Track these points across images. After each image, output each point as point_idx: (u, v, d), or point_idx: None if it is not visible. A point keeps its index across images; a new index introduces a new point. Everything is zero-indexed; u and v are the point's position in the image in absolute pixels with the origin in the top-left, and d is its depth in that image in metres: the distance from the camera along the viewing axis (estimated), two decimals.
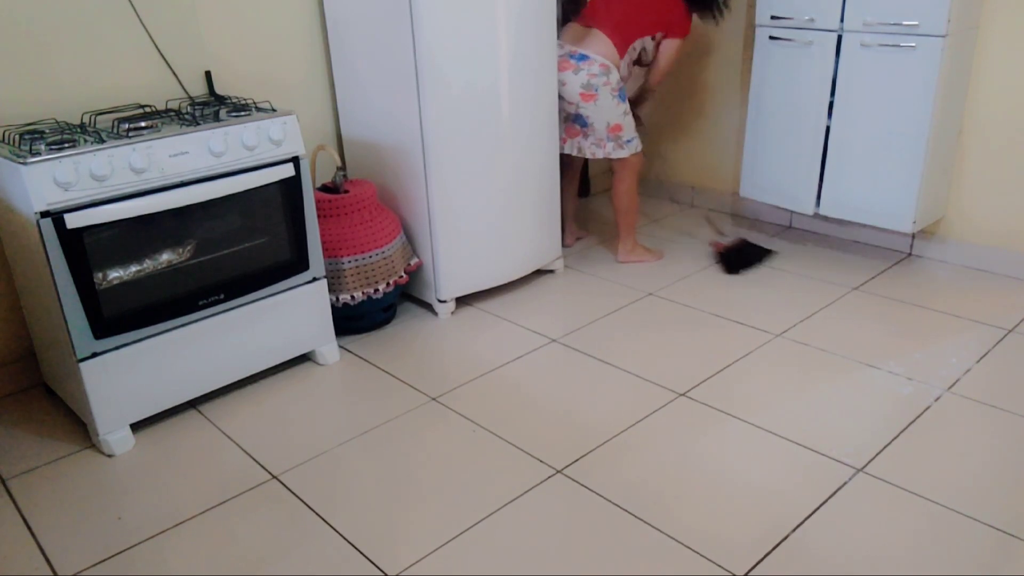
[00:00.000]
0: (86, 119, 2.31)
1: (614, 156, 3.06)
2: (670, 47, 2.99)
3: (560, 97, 2.98)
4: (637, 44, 2.96)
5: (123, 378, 2.14)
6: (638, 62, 3.10)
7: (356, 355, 2.62)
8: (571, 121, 3.07)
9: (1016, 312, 2.70)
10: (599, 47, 2.89)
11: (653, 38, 2.99)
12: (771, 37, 3.07)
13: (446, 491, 1.95)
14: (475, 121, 2.69)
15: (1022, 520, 1.77)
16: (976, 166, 2.97)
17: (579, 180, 3.48)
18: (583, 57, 2.89)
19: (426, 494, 1.95)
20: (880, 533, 1.75)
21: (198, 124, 2.18)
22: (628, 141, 3.05)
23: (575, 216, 3.51)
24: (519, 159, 2.84)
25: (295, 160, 2.33)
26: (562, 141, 3.13)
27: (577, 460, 2.04)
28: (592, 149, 3.08)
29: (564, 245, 3.36)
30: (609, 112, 2.96)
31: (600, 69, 2.89)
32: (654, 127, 3.96)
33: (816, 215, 3.22)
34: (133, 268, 2.14)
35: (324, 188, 2.74)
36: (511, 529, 1.81)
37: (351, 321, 2.73)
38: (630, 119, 3.04)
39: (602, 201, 4.06)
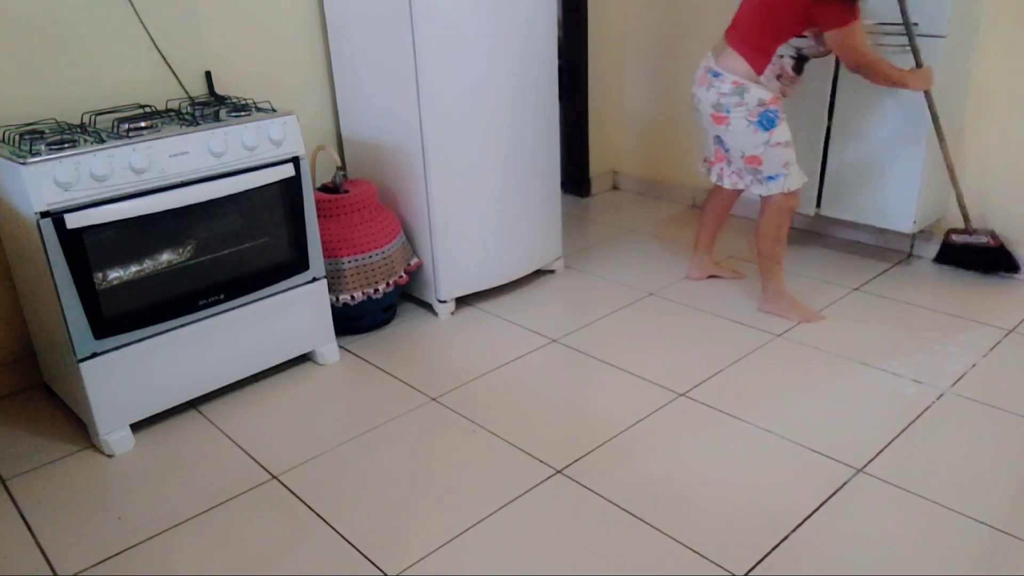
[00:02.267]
0: (86, 119, 2.31)
1: (754, 192, 2.66)
2: (833, 41, 2.40)
3: (699, 114, 2.67)
4: (781, 50, 2.47)
5: (123, 378, 2.13)
6: (801, 61, 2.55)
7: (356, 355, 2.62)
8: (716, 143, 2.68)
9: (1016, 312, 2.70)
10: (731, 63, 2.50)
11: (804, 36, 2.46)
12: None
13: (446, 491, 1.95)
14: (475, 121, 2.69)
15: (1021, 520, 1.77)
16: (976, 166, 2.97)
17: (727, 210, 2.96)
18: (716, 74, 2.53)
19: (426, 494, 1.94)
20: (880, 533, 1.75)
21: (198, 124, 2.18)
22: (770, 178, 2.59)
23: (711, 248, 3.04)
24: (520, 159, 2.84)
25: (295, 160, 2.33)
26: (708, 163, 2.80)
27: (577, 460, 2.04)
28: (733, 178, 2.72)
29: (688, 276, 3.06)
30: (743, 140, 2.56)
31: (732, 88, 2.50)
32: (655, 127, 3.97)
33: (816, 215, 3.22)
34: (133, 268, 2.14)
35: (324, 188, 2.74)
36: (511, 529, 1.81)
37: (351, 321, 2.73)
38: (778, 152, 2.55)
39: (603, 203, 4.06)
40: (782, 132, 2.54)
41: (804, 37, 2.45)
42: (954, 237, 3.02)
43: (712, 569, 1.67)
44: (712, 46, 2.61)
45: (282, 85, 2.84)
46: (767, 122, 2.51)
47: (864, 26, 2.41)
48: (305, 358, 2.60)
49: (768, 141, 2.53)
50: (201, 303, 2.24)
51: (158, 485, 2.02)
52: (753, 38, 2.47)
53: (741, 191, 2.81)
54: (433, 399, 2.35)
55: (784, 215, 2.64)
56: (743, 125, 2.52)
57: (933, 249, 3.14)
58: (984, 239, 2.94)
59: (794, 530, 1.77)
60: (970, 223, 2.97)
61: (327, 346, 2.57)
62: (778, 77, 2.52)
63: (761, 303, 2.80)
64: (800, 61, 2.53)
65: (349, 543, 1.80)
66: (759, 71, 2.48)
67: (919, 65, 2.63)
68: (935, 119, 2.70)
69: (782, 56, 2.48)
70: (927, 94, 2.66)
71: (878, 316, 2.72)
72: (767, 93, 2.50)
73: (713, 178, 2.79)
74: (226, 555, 1.78)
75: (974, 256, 2.98)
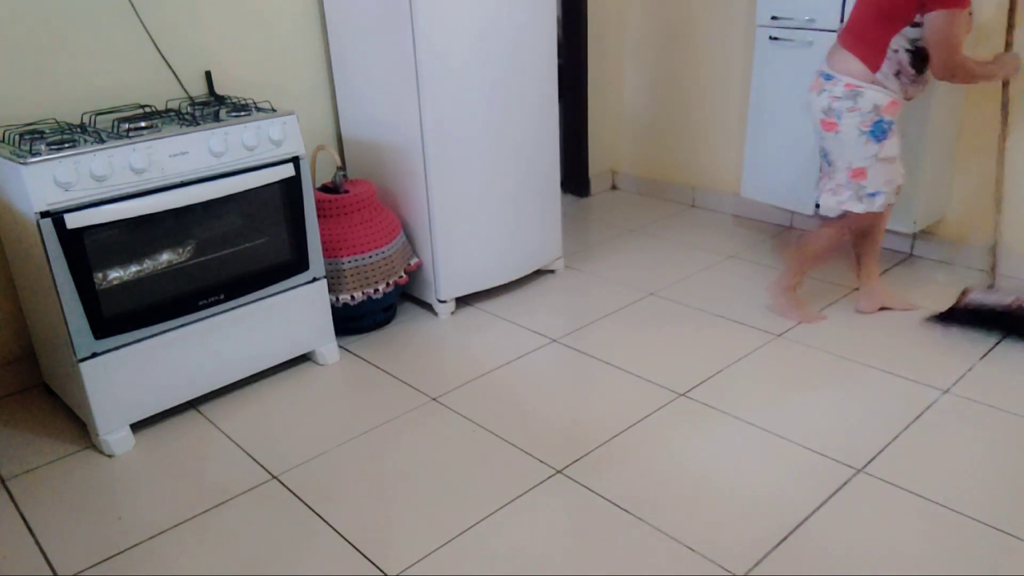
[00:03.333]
0: (86, 119, 2.31)
1: (847, 208, 2.47)
2: (932, 23, 2.21)
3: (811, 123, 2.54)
4: (896, 43, 2.28)
5: (123, 378, 2.13)
6: (919, 57, 2.32)
7: (356, 355, 2.62)
8: (821, 156, 2.55)
9: None
10: (843, 64, 2.35)
11: (916, 24, 2.26)
12: (771, 37, 3.07)
13: (446, 491, 1.95)
14: (475, 121, 2.69)
15: (1022, 520, 1.77)
16: (976, 166, 2.97)
17: (879, 238, 2.70)
18: (828, 76, 2.39)
19: (426, 494, 1.95)
20: (880, 533, 1.75)
21: (198, 124, 2.18)
22: (871, 195, 2.43)
23: (876, 275, 2.76)
24: (520, 159, 2.84)
25: (295, 160, 2.33)
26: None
27: (577, 460, 2.04)
28: (827, 197, 2.52)
29: (856, 309, 2.77)
30: (852, 150, 2.39)
31: (845, 91, 2.34)
32: (654, 127, 3.97)
33: (816, 215, 3.22)
34: (133, 268, 2.14)
35: (324, 188, 2.74)
36: (511, 529, 1.81)
37: (351, 321, 2.73)
38: (884, 168, 2.40)
39: (602, 203, 4.06)
40: (892, 146, 2.38)
41: (918, 27, 2.26)
42: (972, 298, 2.61)
43: (712, 569, 1.67)
44: (828, 50, 2.47)
45: (282, 85, 2.84)
46: (880, 133, 2.35)
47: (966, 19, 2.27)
48: (305, 358, 2.60)
49: (877, 154, 2.37)
50: (201, 303, 2.24)
51: (158, 485, 2.02)
52: (865, 33, 2.33)
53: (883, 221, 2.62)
54: (433, 399, 2.35)
55: (848, 232, 2.55)
56: (854, 134, 2.36)
57: (933, 248, 3.14)
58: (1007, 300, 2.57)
59: (794, 530, 1.77)
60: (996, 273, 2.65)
61: (327, 346, 2.57)
62: (897, 74, 2.33)
63: (769, 288, 2.76)
64: (917, 56, 2.31)
65: (349, 543, 1.80)
66: (874, 68, 2.31)
67: (1009, 47, 2.47)
68: (1005, 110, 2.54)
69: (897, 51, 2.30)
70: (1005, 83, 2.51)
71: (878, 316, 2.71)
72: (884, 96, 2.33)
73: (818, 198, 2.61)
74: (226, 555, 1.78)
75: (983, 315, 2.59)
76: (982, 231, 3.00)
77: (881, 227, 2.69)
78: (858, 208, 2.46)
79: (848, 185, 2.45)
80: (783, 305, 2.72)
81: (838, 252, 2.57)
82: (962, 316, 2.60)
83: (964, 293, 2.65)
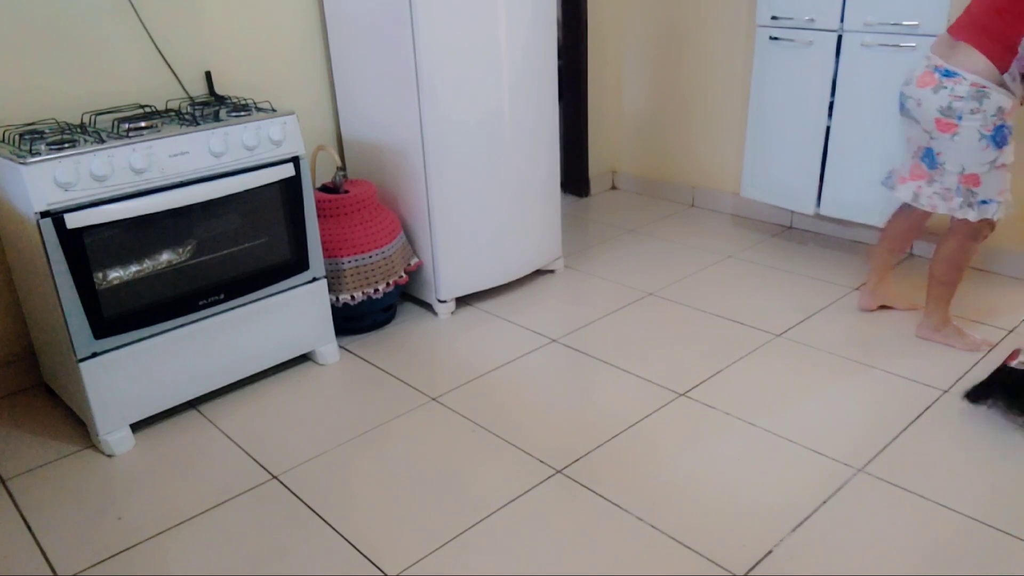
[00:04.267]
0: (86, 119, 2.31)
1: (959, 216, 2.31)
2: None
3: (912, 120, 2.35)
4: None
5: (123, 378, 2.14)
6: None
7: (356, 355, 2.62)
8: (919, 157, 2.38)
9: (1016, 312, 2.70)
10: (970, 60, 2.16)
11: None
12: (771, 37, 3.07)
13: (446, 491, 1.95)
14: (475, 121, 2.69)
15: (1022, 520, 1.77)
16: None
17: (914, 235, 2.64)
18: (950, 73, 2.19)
19: (426, 494, 1.95)
20: (880, 533, 1.75)
21: (198, 124, 2.18)
22: (983, 203, 2.27)
23: (888, 277, 2.72)
24: (519, 159, 2.84)
25: (295, 160, 2.33)
26: (899, 180, 2.47)
27: (577, 460, 2.04)
28: (933, 200, 2.35)
29: (859, 306, 2.76)
30: (968, 154, 2.23)
31: (971, 91, 2.16)
32: (654, 127, 3.97)
33: (816, 215, 3.22)
34: (133, 268, 2.14)
35: (324, 188, 2.74)
36: (511, 529, 1.81)
37: (351, 321, 2.73)
38: (1000, 175, 2.24)
39: (602, 203, 4.06)
40: (1010, 153, 2.23)
41: None
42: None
43: (712, 569, 1.67)
44: (933, 43, 2.31)
45: (282, 85, 2.84)
46: (1000, 139, 2.19)
47: None
48: (305, 358, 2.60)
49: (995, 161, 2.22)
50: (201, 303, 2.24)
51: (158, 485, 2.02)
52: (996, 28, 2.13)
53: (930, 213, 2.48)
54: (433, 399, 2.35)
55: (976, 243, 2.36)
56: (974, 138, 2.20)
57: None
58: None
59: (794, 530, 1.77)
60: None
61: (327, 346, 2.57)
62: (1022, 77, 2.18)
63: (920, 329, 2.55)
64: None
65: (349, 543, 1.80)
66: (1003, 68, 2.14)
67: None
68: None
69: None
70: None
71: (878, 316, 2.72)
72: (1008, 100, 2.17)
73: (905, 196, 2.44)
74: (226, 555, 1.78)
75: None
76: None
77: (913, 228, 2.62)
78: (970, 216, 2.29)
79: (959, 191, 2.29)
80: (944, 338, 2.52)
81: (965, 266, 2.41)
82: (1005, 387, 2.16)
83: (1013, 355, 2.19)
